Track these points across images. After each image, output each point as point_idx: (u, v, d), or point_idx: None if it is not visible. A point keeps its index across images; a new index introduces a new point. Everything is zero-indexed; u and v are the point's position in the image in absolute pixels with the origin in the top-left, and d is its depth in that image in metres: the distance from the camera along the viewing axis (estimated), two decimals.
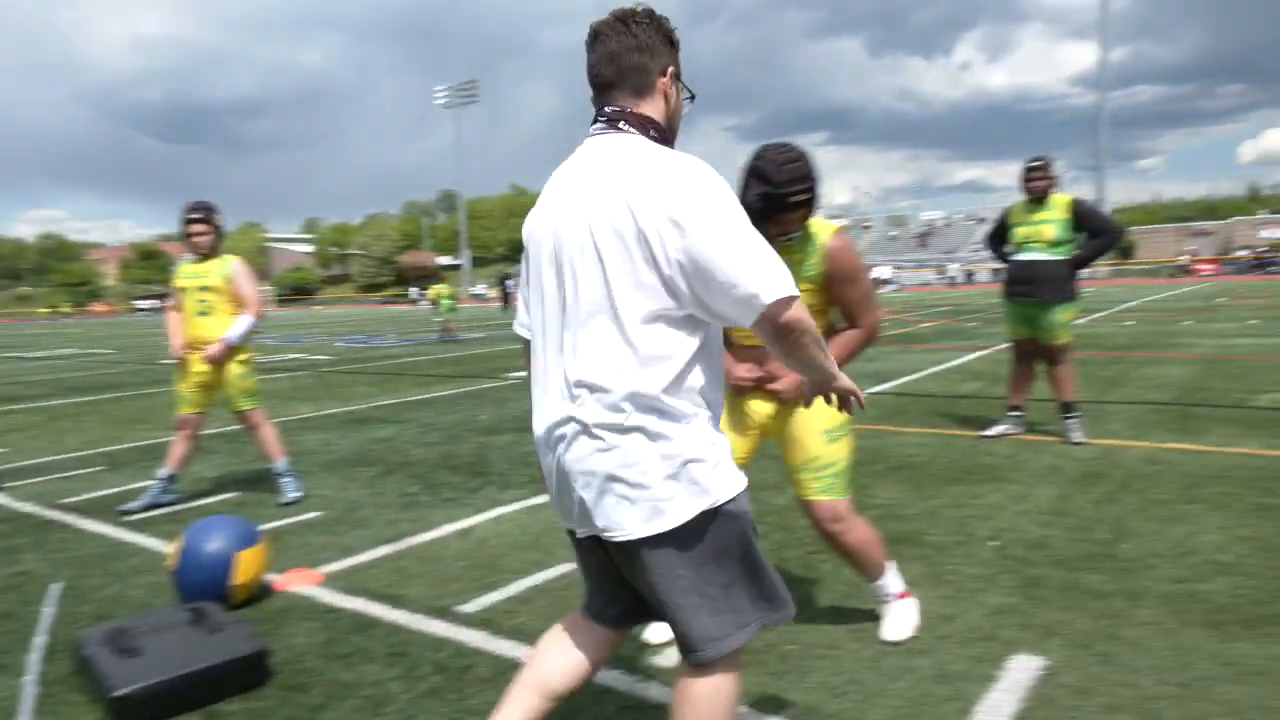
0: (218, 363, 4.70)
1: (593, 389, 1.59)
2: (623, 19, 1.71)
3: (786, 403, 2.69)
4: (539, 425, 1.72)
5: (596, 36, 1.73)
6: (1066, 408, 5.63)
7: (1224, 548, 3.43)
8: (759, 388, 2.68)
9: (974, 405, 7.16)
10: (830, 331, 2.74)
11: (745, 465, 2.83)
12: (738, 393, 2.72)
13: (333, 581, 3.54)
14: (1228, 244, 56.89)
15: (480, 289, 41.63)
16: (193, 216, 4.69)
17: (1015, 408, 5.88)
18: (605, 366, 1.58)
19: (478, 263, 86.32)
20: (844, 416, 2.74)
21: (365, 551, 3.91)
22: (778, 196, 2.43)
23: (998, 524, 3.90)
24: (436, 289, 20.20)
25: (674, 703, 1.70)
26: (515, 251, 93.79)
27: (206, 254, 4.72)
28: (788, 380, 2.65)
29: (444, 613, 3.15)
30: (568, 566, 3.57)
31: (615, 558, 1.74)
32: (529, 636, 2.89)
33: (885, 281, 52.96)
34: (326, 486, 5.23)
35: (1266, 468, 4.65)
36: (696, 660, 1.66)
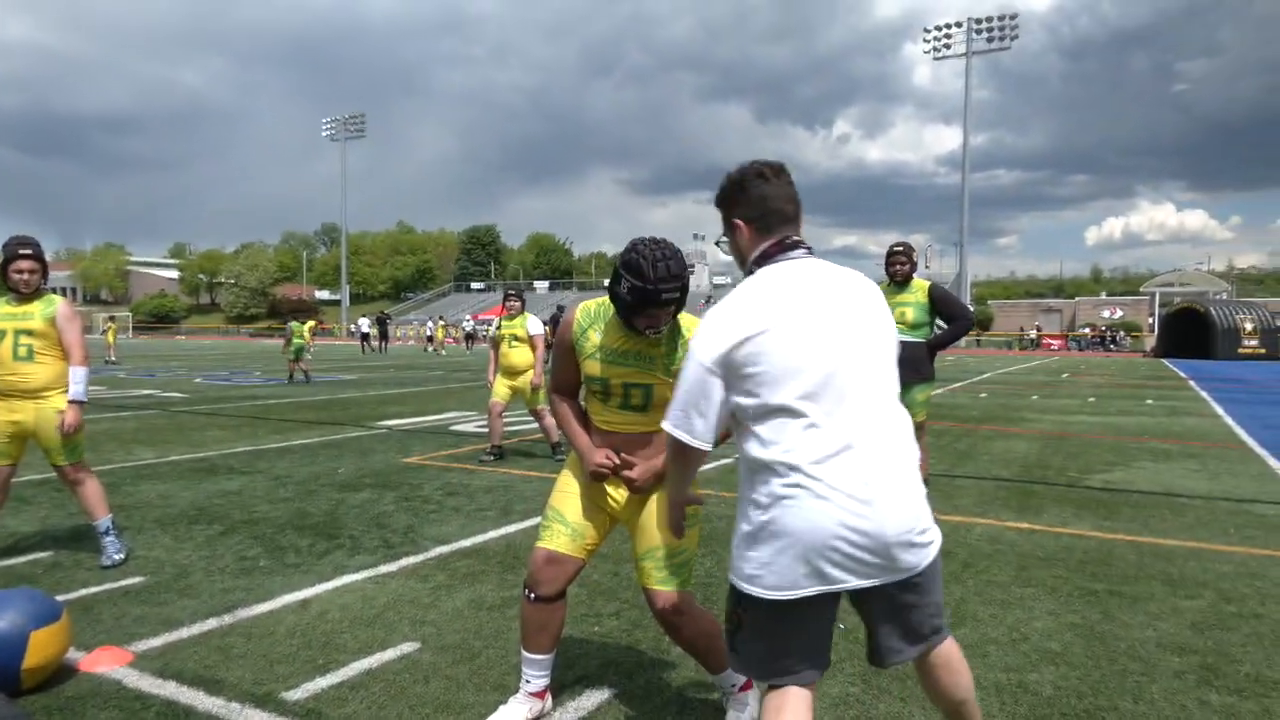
0: (76, 430, 4.34)
1: (907, 454, 1.97)
2: (784, 169, 2.11)
3: (639, 491, 2.65)
4: (864, 500, 1.87)
5: (771, 177, 2.08)
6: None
7: (1053, 634, 3.58)
8: (615, 474, 2.64)
9: None
10: None
11: (595, 550, 2.77)
12: (595, 478, 2.67)
13: (145, 662, 3.24)
14: (1074, 321, 61.57)
15: (365, 325, 40.03)
16: (23, 252, 4.30)
17: None
18: (906, 435, 1.99)
19: (358, 299, 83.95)
20: (693, 506, 2.73)
21: (188, 625, 3.61)
22: (650, 292, 2.44)
23: (845, 606, 3.95)
24: (296, 325, 18.90)
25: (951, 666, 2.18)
26: (397, 289, 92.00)
27: (29, 294, 4.33)
28: (642, 469, 2.62)
29: (266, 701, 2.91)
30: (409, 646, 3.39)
31: (899, 591, 1.99)
32: None
33: None
34: (157, 547, 4.84)
35: (1093, 550, 4.93)
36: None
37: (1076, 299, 69.40)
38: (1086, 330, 54.27)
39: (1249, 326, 39.37)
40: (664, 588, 2.66)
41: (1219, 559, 4.78)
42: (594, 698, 2.96)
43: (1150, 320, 53.69)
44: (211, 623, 3.64)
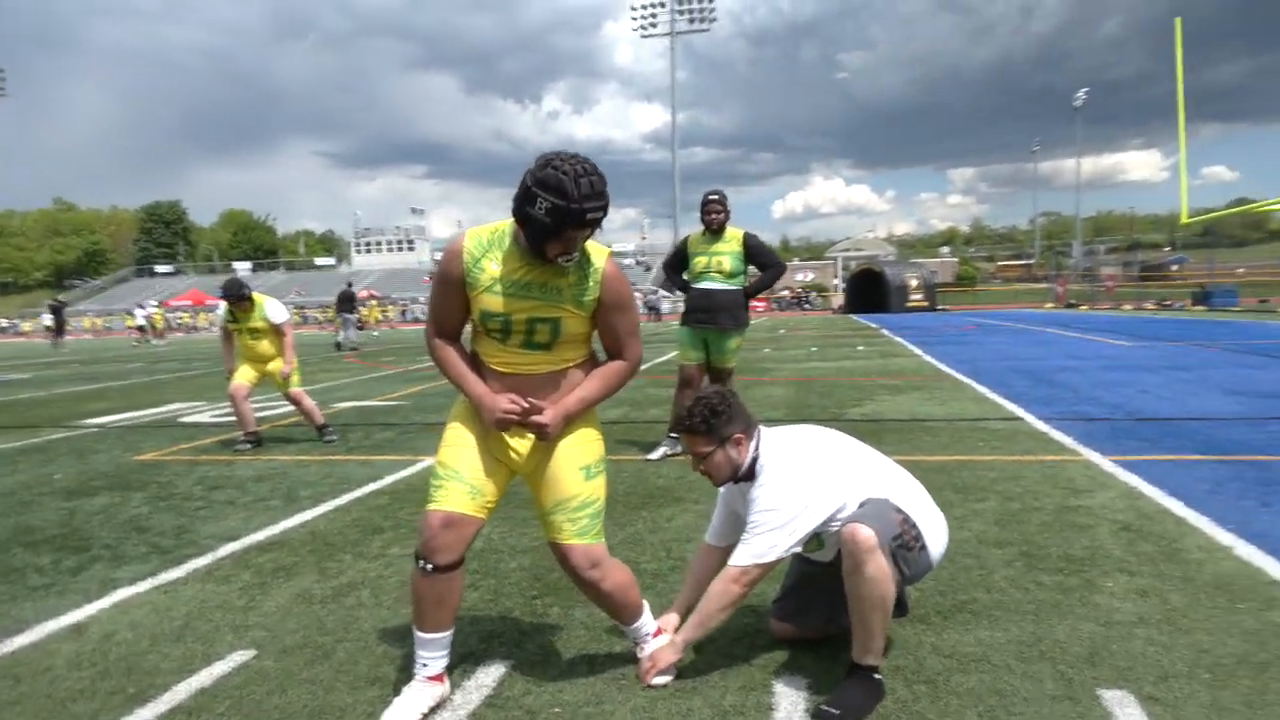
0: None
1: None
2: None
3: (548, 438, 2.39)
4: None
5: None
6: None
7: None
8: (522, 420, 2.35)
9: (626, 430, 7.39)
10: (593, 362, 2.51)
11: (494, 508, 2.48)
12: (499, 426, 2.36)
13: None
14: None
15: (47, 319, 33.38)
16: None
17: (675, 430, 6.13)
18: None
19: (8, 288, 71.49)
20: (600, 452, 2.54)
21: None
22: (573, 212, 2.15)
23: (698, 544, 3.95)
24: None
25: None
26: (59, 275, 79.34)
27: None
28: (554, 412, 2.36)
29: None
30: (243, 655, 2.86)
31: None
32: None
33: None
34: None
35: None
36: None
37: None
38: (785, 292, 59.81)
39: (914, 283, 45.48)
40: (580, 541, 2.45)
41: (983, 468, 5.39)
42: (491, 673, 2.67)
43: (835, 281, 60.34)
44: None
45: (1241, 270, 54.56)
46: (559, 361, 2.41)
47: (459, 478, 2.38)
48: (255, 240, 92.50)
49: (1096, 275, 54.72)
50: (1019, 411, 7.67)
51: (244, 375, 7.11)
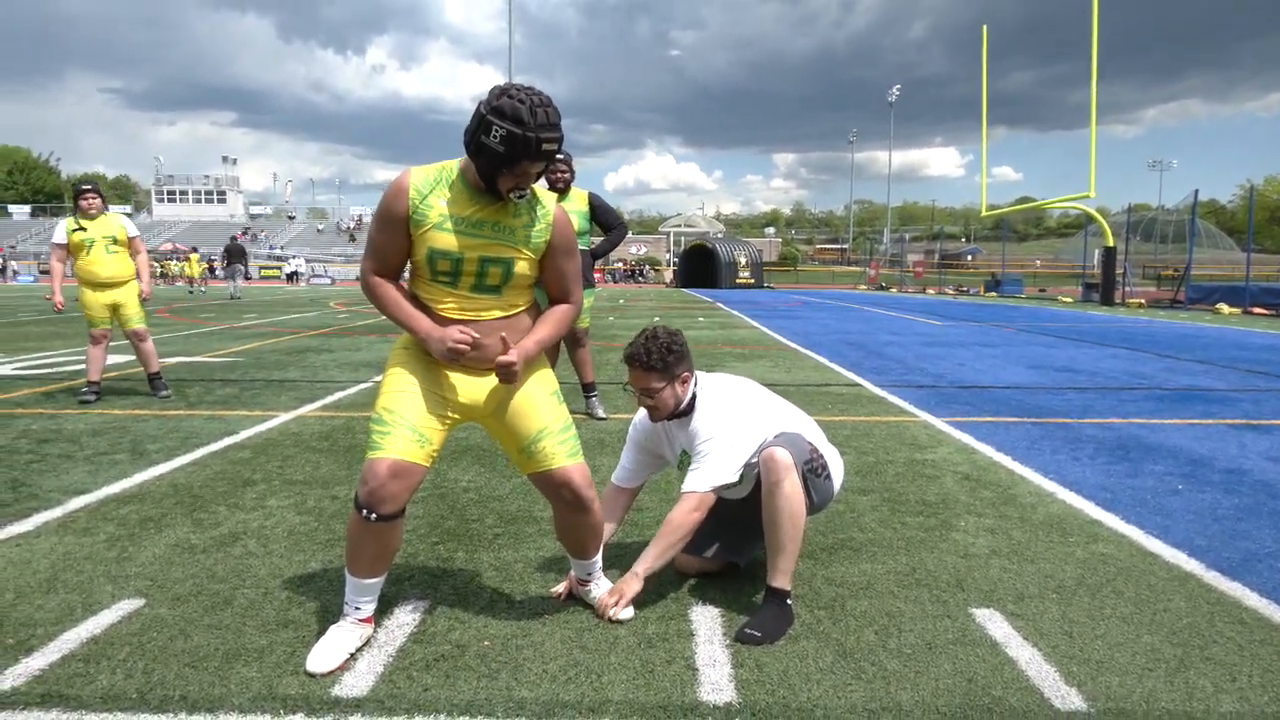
0: None
1: None
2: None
3: (514, 380, 2.37)
4: None
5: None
6: (588, 387, 6.11)
7: None
8: (476, 358, 2.34)
9: None
10: (536, 309, 2.53)
11: (436, 458, 2.45)
12: (452, 356, 2.30)
13: None
14: (607, 256, 68.32)
15: None
16: None
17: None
18: None
19: None
20: (552, 379, 2.61)
21: None
22: (528, 141, 2.14)
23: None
24: None
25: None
26: None
27: None
28: (520, 352, 2.35)
29: None
30: (132, 603, 2.69)
31: None
32: (130, 701, 2.10)
33: (317, 276, 51.47)
34: None
35: None
36: None
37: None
38: (620, 264, 60.59)
39: (743, 261, 47.35)
40: (573, 461, 2.48)
41: (836, 427, 5.81)
42: (411, 612, 2.66)
43: (668, 255, 61.73)
44: None
45: (1039, 263, 60.99)
46: (508, 306, 2.40)
47: (406, 424, 2.32)
48: (35, 182, 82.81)
49: (903, 261, 59.02)
50: (857, 379, 8.27)
51: (102, 320, 6.49)
